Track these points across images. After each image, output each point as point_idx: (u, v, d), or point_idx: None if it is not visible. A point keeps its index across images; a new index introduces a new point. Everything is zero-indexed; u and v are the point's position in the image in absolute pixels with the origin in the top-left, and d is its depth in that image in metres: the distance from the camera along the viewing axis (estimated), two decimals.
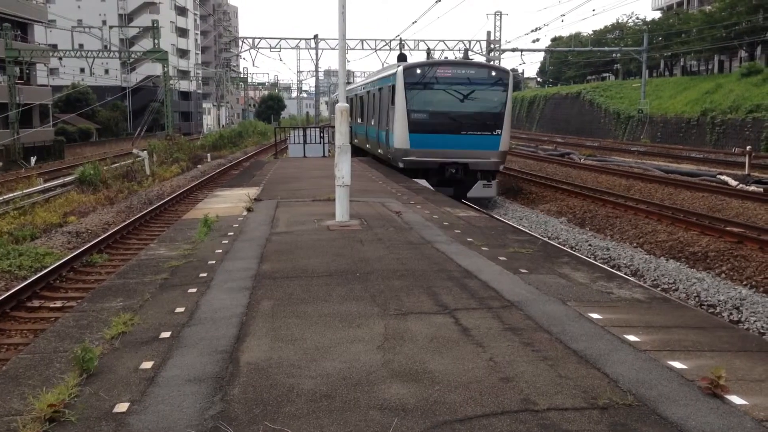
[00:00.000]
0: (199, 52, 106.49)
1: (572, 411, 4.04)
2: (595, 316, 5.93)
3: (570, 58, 77.76)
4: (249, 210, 12.75)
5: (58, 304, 10.52)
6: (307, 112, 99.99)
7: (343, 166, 11.03)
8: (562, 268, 7.91)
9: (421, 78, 20.26)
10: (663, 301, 6.51)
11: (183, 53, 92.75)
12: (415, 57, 53.35)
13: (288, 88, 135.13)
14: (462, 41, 53.65)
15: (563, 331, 5.52)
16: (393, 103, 20.67)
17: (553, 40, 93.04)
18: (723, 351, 5.09)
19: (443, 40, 53.50)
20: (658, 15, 77.33)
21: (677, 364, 4.77)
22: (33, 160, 41.82)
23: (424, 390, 4.36)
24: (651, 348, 5.12)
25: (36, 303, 10.58)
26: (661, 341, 5.28)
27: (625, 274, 11.69)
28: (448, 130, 20.05)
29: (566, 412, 4.02)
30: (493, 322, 5.78)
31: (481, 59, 50.89)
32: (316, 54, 60.41)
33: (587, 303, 6.38)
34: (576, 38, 77.31)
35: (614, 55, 70.01)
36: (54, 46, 54.44)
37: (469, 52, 47.60)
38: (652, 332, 5.51)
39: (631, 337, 5.35)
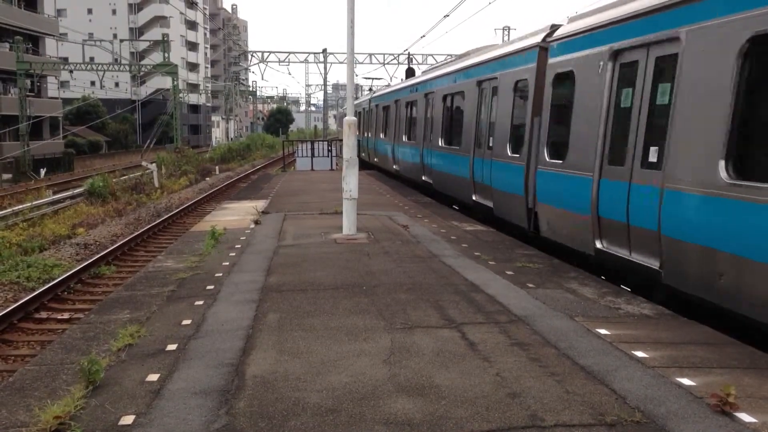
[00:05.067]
0: (209, 66, 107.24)
1: (580, 428, 4.01)
2: (602, 331, 5.90)
3: None
4: (256, 223, 12.78)
5: (66, 315, 10.54)
6: (316, 126, 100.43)
7: (351, 180, 11.05)
8: (569, 283, 7.88)
9: None
10: (671, 317, 6.47)
11: (192, 67, 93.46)
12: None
13: (296, 102, 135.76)
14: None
15: (571, 347, 5.49)
16: None
17: None
18: (732, 368, 5.05)
19: (451, 55, 53.71)
20: None
21: (686, 381, 4.73)
22: (43, 171, 42.15)
23: (431, 405, 4.33)
24: (659, 364, 5.08)
25: (43, 314, 10.61)
26: (670, 357, 5.24)
27: None
28: None
29: (574, 429, 3.99)
30: (500, 337, 5.76)
31: None
32: (325, 68, 60.72)
33: (595, 318, 6.35)
34: None
35: None
36: (65, 59, 54.86)
37: None
38: (661, 348, 5.47)
39: (639, 353, 5.31)
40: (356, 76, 53.82)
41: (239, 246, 10.30)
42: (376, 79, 52.26)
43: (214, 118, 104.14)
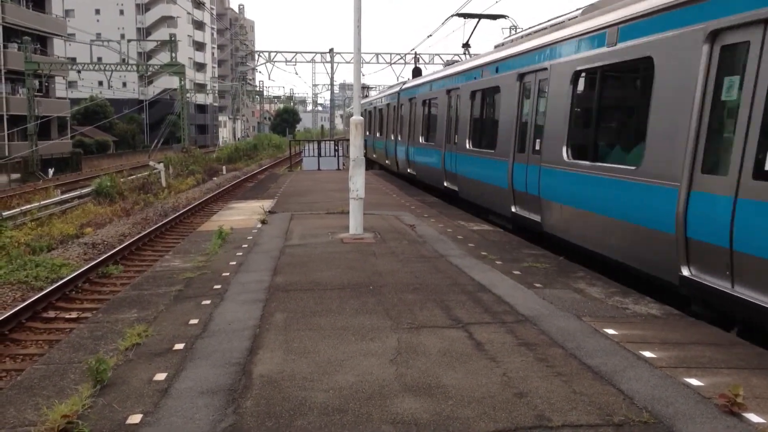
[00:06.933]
0: (216, 66, 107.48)
1: (587, 428, 4.00)
2: (610, 331, 5.88)
3: None
4: (263, 222, 12.79)
5: (74, 315, 10.59)
6: (322, 126, 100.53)
7: (357, 180, 11.05)
8: (577, 283, 7.86)
9: None
10: (679, 317, 6.44)
11: (200, 67, 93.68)
12: (430, 71, 53.48)
13: (303, 102, 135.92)
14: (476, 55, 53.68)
15: (578, 347, 5.47)
16: None
17: None
18: (740, 368, 5.03)
19: (458, 54, 53.64)
20: None
21: (694, 381, 4.71)
22: (51, 171, 42.33)
23: (437, 405, 4.33)
24: (667, 364, 5.06)
25: (51, 314, 10.66)
26: (678, 358, 5.22)
27: None
28: None
29: (581, 429, 3.98)
30: (506, 337, 5.75)
31: None
32: (332, 68, 60.87)
33: (602, 318, 6.33)
34: None
35: None
36: (73, 59, 55.13)
37: None
38: (668, 348, 5.45)
39: (647, 354, 5.29)
40: (363, 75, 53.86)
41: (246, 246, 10.31)
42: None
43: (221, 118, 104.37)
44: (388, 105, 26.73)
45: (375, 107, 30.97)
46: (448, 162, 16.34)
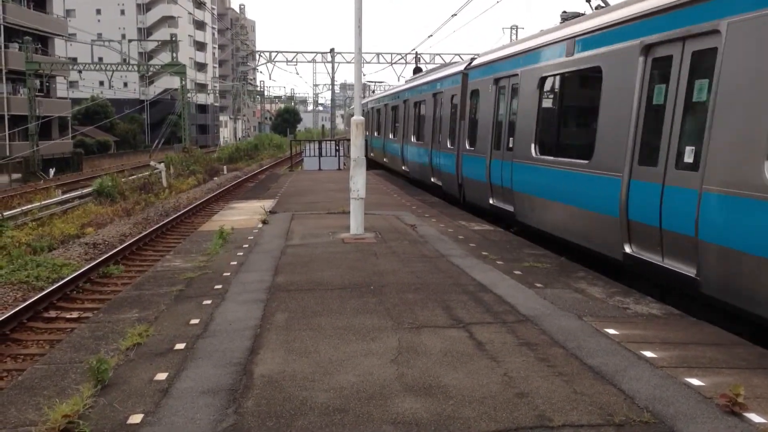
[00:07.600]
0: (217, 66, 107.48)
1: (588, 428, 4.00)
2: (611, 331, 5.88)
3: None
4: (264, 222, 12.80)
5: (75, 315, 10.59)
6: (323, 125, 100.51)
7: (358, 180, 11.05)
8: (578, 282, 7.86)
9: None
10: (680, 317, 6.44)
11: (201, 66, 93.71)
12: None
13: (304, 102, 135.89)
14: (477, 55, 53.67)
15: (579, 347, 5.47)
16: None
17: None
18: (741, 368, 5.02)
19: (459, 54, 53.69)
20: None
21: (695, 381, 4.71)
22: (52, 171, 42.35)
23: (438, 405, 4.33)
24: (668, 364, 5.06)
25: (53, 314, 10.66)
26: (678, 357, 5.22)
27: None
28: None
29: (582, 429, 3.98)
30: (507, 337, 5.75)
31: None
32: (332, 67, 60.81)
33: (603, 318, 6.33)
34: None
35: None
36: (74, 59, 55.11)
37: None
38: (669, 348, 5.44)
39: (648, 353, 5.29)
40: (363, 75, 53.82)
41: (247, 245, 10.32)
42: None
43: (222, 117, 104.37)
44: (435, 95, 18.72)
45: (405, 101, 23.61)
46: (639, 205, 7.69)
